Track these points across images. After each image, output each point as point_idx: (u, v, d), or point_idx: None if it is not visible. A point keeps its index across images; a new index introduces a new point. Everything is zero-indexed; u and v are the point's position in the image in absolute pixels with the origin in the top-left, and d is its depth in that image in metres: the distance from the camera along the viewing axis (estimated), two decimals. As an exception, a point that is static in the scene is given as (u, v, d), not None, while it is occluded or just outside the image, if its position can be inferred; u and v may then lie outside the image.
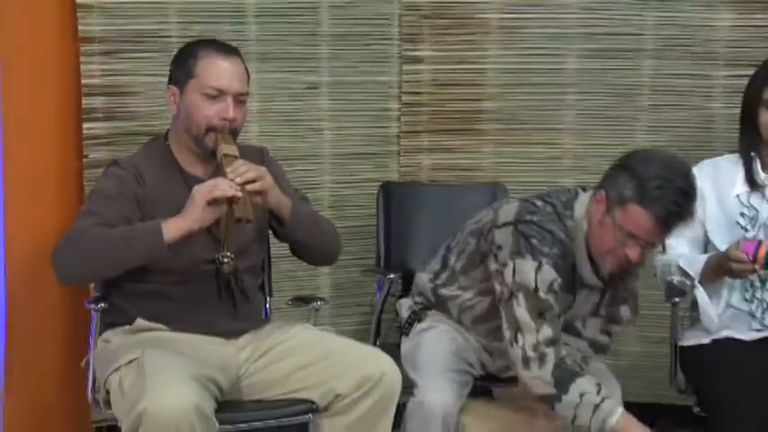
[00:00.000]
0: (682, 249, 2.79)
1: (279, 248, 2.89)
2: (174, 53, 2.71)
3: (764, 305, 2.70)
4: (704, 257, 2.71)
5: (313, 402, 2.53)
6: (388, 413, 2.53)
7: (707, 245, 2.79)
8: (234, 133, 2.62)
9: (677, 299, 2.83)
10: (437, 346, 2.72)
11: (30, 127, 3.14)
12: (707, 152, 3.07)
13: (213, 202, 2.42)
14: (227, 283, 2.63)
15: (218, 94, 2.58)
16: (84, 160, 3.25)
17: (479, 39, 3.51)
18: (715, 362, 2.66)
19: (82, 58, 3.23)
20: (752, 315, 2.70)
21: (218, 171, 2.54)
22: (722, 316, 2.71)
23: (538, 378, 2.50)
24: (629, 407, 2.75)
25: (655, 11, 3.47)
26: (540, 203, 2.60)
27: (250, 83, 2.69)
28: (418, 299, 2.89)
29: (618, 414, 2.46)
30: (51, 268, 2.50)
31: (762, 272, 2.61)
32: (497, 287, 2.59)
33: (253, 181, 2.47)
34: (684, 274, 2.72)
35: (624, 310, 2.75)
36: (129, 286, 2.60)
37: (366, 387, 2.50)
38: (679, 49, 3.48)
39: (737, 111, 2.82)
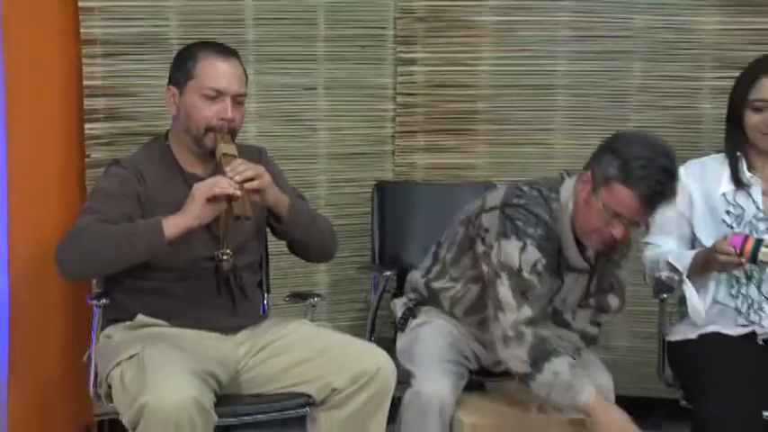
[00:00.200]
0: (670, 246, 2.80)
1: (277, 246, 2.89)
2: (174, 55, 2.71)
3: (750, 301, 2.70)
4: (692, 253, 2.72)
5: (310, 396, 2.54)
6: (383, 407, 2.54)
7: (694, 242, 2.80)
8: (232, 133, 2.62)
9: (665, 295, 2.84)
10: (433, 340, 2.73)
11: (33, 127, 3.14)
12: (694, 152, 3.08)
13: (212, 200, 2.42)
14: (226, 280, 2.63)
15: (217, 95, 2.59)
16: (86, 160, 3.25)
17: (473, 41, 3.51)
18: (701, 356, 2.66)
19: (84, 60, 3.24)
20: (737, 311, 2.71)
21: (218, 170, 2.54)
22: (709, 311, 2.72)
23: (515, 356, 2.53)
24: (619, 400, 2.77)
25: (644, 14, 3.47)
26: (526, 188, 2.63)
27: (248, 84, 2.69)
28: (412, 295, 2.90)
29: (589, 392, 2.49)
30: (54, 265, 2.50)
31: (747, 266, 2.62)
32: (485, 269, 2.61)
33: (251, 179, 2.47)
34: (673, 269, 2.72)
35: (612, 299, 2.77)
36: (130, 283, 2.60)
37: (362, 381, 2.50)
38: (668, 51, 3.49)
39: (724, 111, 2.83)
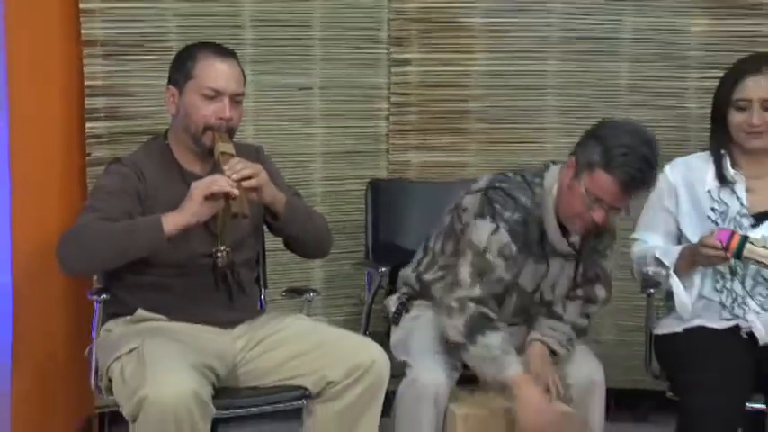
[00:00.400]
0: (656, 242, 2.81)
1: (273, 242, 2.89)
2: (173, 56, 2.71)
3: (734, 295, 2.71)
4: (679, 248, 2.73)
5: (306, 389, 2.54)
6: (377, 399, 2.54)
7: (680, 238, 2.80)
8: (230, 132, 2.62)
9: (652, 290, 2.85)
10: (427, 332, 2.73)
11: (35, 127, 3.14)
12: (681, 150, 3.08)
13: (210, 198, 2.42)
14: (224, 276, 2.64)
15: (216, 95, 2.59)
16: (87, 158, 3.26)
17: (465, 42, 3.51)
18: (687, 349, 2.67)
19: (85, 61, 3.24)
20: (722, 305, 2.72)
21: (216, 168, 2.54)
22: (694, 306, 2.72)
23: (453, 326, 2.57)
24: (607, 392, 2.79)
25: (632, 16, 3.48)
26: (510, 174, 2.68)
27: (246, 84, 2.69)
28: (404, 290, 2.92)
29: (515, 369, 2.53)
30: (56, 261, 2.50)
31: (732, 261, 2.63)
32: (459, 247, 2.64)
33: (248, 178, 2.47)
34: (660, 264, 2.73)
35: (599, 290, 2.80)
36: (130, 278, 2.60)
37: (356, 374, 2.50)
38: (655, 52, 3.50)
39: (709, 111, 2.83)
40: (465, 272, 2.58)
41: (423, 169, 3.56)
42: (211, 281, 2.63)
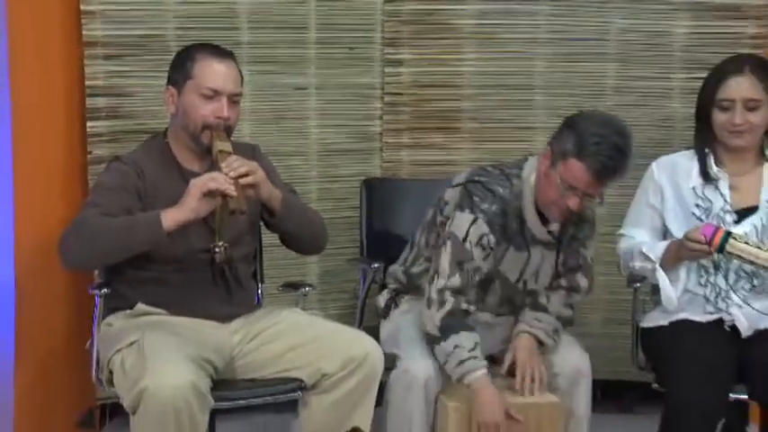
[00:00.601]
0: (642, 238, 2.82)
1: (270, 238, 2.89)
2: (173, 56, 2.70)
3: (717, 289, 2.71)
4: (665, 243, 2.73)
5: (302, 381, 2.54)
6: (371, 391, 2.54)
7: (665, 234, 2.81)
8: (228, 131, 2.62)
9: (638, 284, 2.86)
10: (416, 325, 2.74)
11: (38, 125, 3.14)
12: (666, 148, 3.09)
13: (208, 194, 2.42)
14: (222, 271, 2.64)
15: (214, 95, 2.58)
16: (88, 156, 3.26)
17: (456, 43, 3.51)
18: (672, 342, 2.68)
19: (86, 61, 3.24)
20: (706, 299, 2.72)
21: (214, 166, 2.54)
22: (679, 299, 2.73)
23: (430, 317, 2.60)
24: (594, 383, 2.79)
25: (618, 18, 3.48)
26: (489, 168, 2.70)
27: (243, 84, 2.69)
28: (393, 285, 2.93)
29: (477, 374, 2.54)
30: (58, 256, 2.50)
31: (715, 256, 2.63)
32: (440, 238, 2.65)
33: (245, 175, 2.47)
34: (647, 258, 2.73)
35: (581, 279, 2.81)
36: (130, 273, 2.60)
37: (351, 366, 2.51)
38: (640, 53, 3.50)
39: (693, 110, 2.83)
40: (446, 261, 2.60)
41: (415, 167, 3.55)
42: (209, 276, 2.62)
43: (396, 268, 2.93)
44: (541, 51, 3.50)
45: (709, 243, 2.56)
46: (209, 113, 2.58)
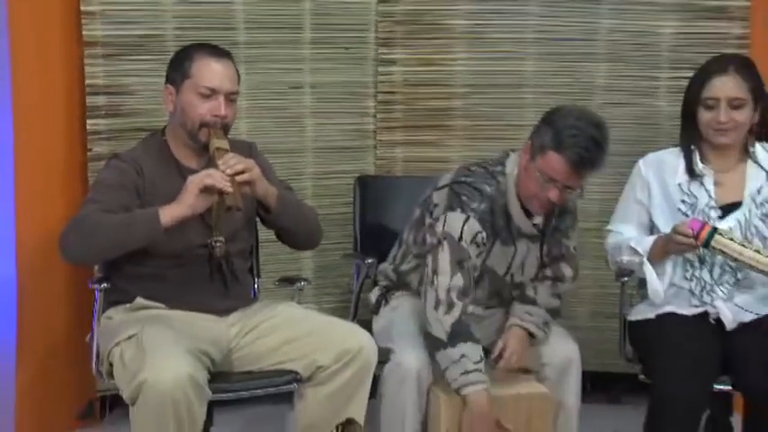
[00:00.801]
0: (630, 233, 2.82)
1: (266, 234, 2.88)
2: (171, 56, 2.69)
3: (702, 283, 2.72)
4: (652, 238, 2.74)
5: (297, 373, 2.53)
6: (365, 383, 2.54)
7: (652, 229, 2.81)
8: (225, 129, 2.61)
9: (626, 278, 2.85)
10: (408, 320, 2.74)
11: (39, 124, 3.13)
12: (653, 146, 3.08)
13: (205, 191, 2.42)
14: (219, 266, 2.63)
15: (211, 93, 2.58)
16: (89, 154, 3.25)
17: (448, 43, 3.51)
18: (659, 335, 2.68)
19: (86, 61, 3.23)
20: (691, 292, 2.72)
21: (211, 163, 2.53)
22: (666, 293, 2.73)
23: (438, 320, 2.56)
24: (583, 375, 2.79)
25: (606, 18, 3.48)
26: (474, 168, 2.69)
27: (240, 83, 2.68)
28: (383, 282, 2.93)
29: (478, 388, 2.52)
30: (59, 252, 2.49)
31: (701, 250, 2.64)
32: (428, 238, 2.64)
33: (242, 172, 2.47)
34: (635, 252, 2.74)
35: (565, 268, 2.81)
36: (129, 268, 2.59)
37: (345, 359, 2.50)
38: (628, 53, 3.50)
39: (680, 109, 2.83)
40: (445, 260, 2.58)
41: (408, 164, 3.55)
42: (207, 270, 2.62)
43: (385, 266, 2.93)
44: (531, 51, 3.51)
45: (696, 237, 2.57)
46: (207, 112, 2.57)
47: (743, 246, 2.57)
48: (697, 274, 2.72)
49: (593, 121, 2.54)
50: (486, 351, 2.67)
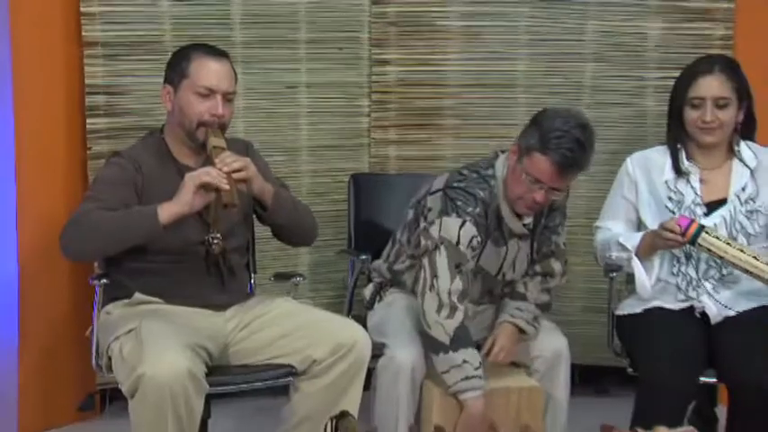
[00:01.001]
0: (618, 229, 2.82)
1: (262, 231, 2.87)
2: (169, 56, 2.68)
3: (688, 278, 2.72)
4: (640, 234, 2.74)
5: (293, 367, 2.53)
6: (359, 376, 2.53)
7: (639, 225, 2.81)
8: (222, 128, 2.60)
9: (614, 273, 2.85)
10: (401, 315, 2.73)
11: (40, 122, 3.13)
12: (640, 144, 3.09)
13: (202, 188, 2.41)
14: (216, 262, 2.62)
15: (209, 93, 2.57)
16: (88, 152, 3.24)
17: (441, 44, 3.50)
18: (646, 329, 2.68)
19: (86, 61, 3.22)
20: (678, 287, 2.72)
21: (209, 162, 2.52)
22: (653, 288, 2.73)
23: (440, 323, 2.53)
24: (572, 367, 2.79)
25: (595, 20, 3.48)
26: (466, 172, 2.67)
27: (237, 83, 2.67)
28: (378, 279, 2.92)
29: (475, 393, 2.52)
30: (59, 248, 2.48)
31: (687, 247, 2.64)
32: (423, 242, 2.62)
33: (238, 170, 2.46)
34: (623, 248, 2.73)
35: (555, 264, 2.80)
36: (128, 264, 2.58)
37: (340, 353, 2.50)
38: (616, 53, 3.50)
39: (666, 108, 2.84)
40: (444, 264, 2.55)
41: (401, 162, 3.55)
42: (204, 266, 2.61)
43: (379, 263, 2.92)
44: (522, 52, 3.50)
45: (683, 234, 2.57)
46: (205, 111, 2.56)
47: (728, 244, 2.57)
48: (683, 269, 2.72)
49: (578, 122, 2.52)
50: (478, 346, 2.67)
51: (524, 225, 2.69)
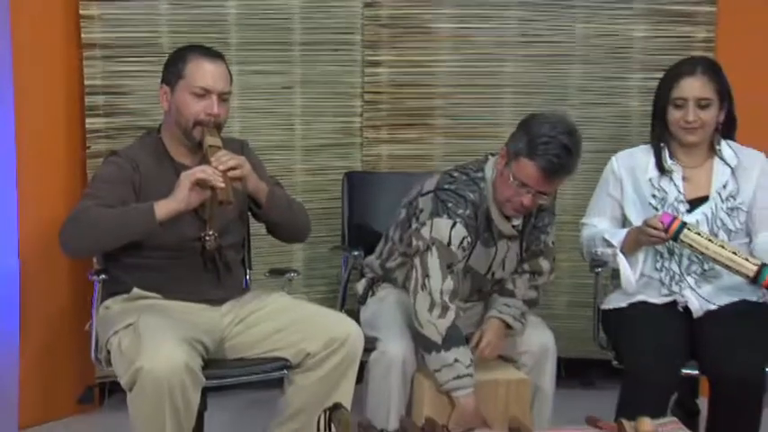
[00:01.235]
0: (604, 226, 2.82)
1: (257, 228, 2.87)
2: (166, 57, 2.68)
3: (671, 274, 2.72)
4: (625, 231, 2.74)
5: (287, 360, 2.53)
6: (352, 369, 2.53)
7: (624, 222, 2.81)
8: (218, 127, 2.60)
9: (599, 269, 2.86)
10: (393, 311, 2.73)
11: (40, 122, 3.12)
12: (625, 143, 3.10)
13: (198, 185, 2.40)
14: (212, 258, 2.62)
15: (205, 93, 2.56)
16: (87, 151, 3.24)
17: (431, 46, 3.50)
18: (631, 322, 2.68)
19: (85, 62, 3.22)
20: (661, 282, 2.73)
21: (204, 160, 2.52)
22: (637, 283, 2.73)
23: (433, 323, 2.53)
24: (559, 361, 2.79)
25: (582, 23, 3.49)
26: (456, 174, 2.66)
27: (232, 83, 2.66)
28: (370, 275, 2.92)
29: (467, 391, 2.52)
30: (59, 245, 2.48)
31: (670, 243, 2.64)
32: (414, 242, 2.62)
33: (233, 168, 2.46)
34: (608, 244, 2.74)
35: (543, 262, 2.80)
36: (126, 260, 2.58)
37: (333, 346, 2.49)
38: (601, 55, 3.51)
39: (650, 108, 2.84)
40: (435, 264, 2.54)
41: (393, 161, 3.54)
42: (201, 262, 2.61)
43: (372, 259, 2.92)
44: (510, 53, 3.50)
45: (666, 230, 2.57)
46: (201, 110, 2.56)
47: (709, 240, 2.58)
48: (666, 264, 2.73)
49: (565, 128, 2.51)
50: (466, 340, 2.67)
51: (513, 226, 2.69)
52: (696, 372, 2.61)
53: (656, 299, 2.72)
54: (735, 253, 2.56)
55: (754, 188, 2.74)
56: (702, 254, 2.59)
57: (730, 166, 2.76)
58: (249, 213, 2.74)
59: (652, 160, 2.78)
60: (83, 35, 3.19)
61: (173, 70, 2.60)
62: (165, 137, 2.65)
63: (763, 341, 2.58)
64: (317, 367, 2.50)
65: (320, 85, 3.46)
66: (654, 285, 2.74)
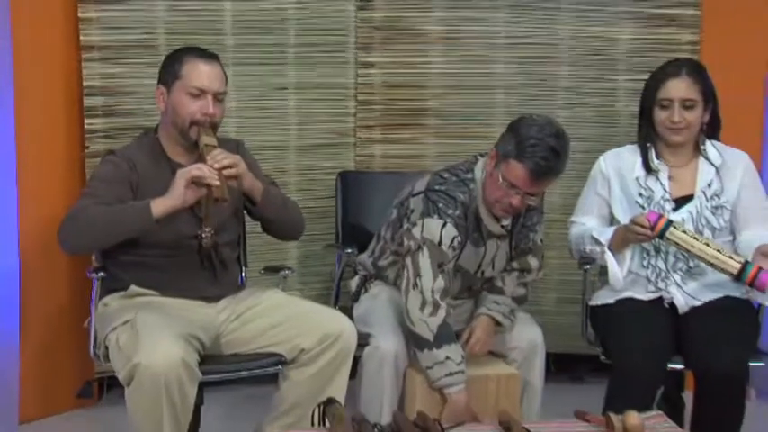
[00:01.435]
0: (592, 224, 2.82)
1: (253, 226, 2.86)
2: (163, 59, 2.67)
3: (658, 270, 2.72)
4: (612, 229, 2.74)
5: (282, 356, 2.52)
6: (345, 365, 2.53)
7: (612, 220, 2.81)
8: (214, 127, 2.59)
9: (588, 266, 2.85)
10: (385, 307, 2.73)
11: (40, 123, 3.11)
12: (612, 143, 3.09)
13: (194, 183, 2.39)
14: (208, 255, 2.61)
15: (200, 94, 2.55)
16: (86, 151, 3.23)
17: (423, 48, 3.49)
18: (618, 318, 2.68)
19: (84, 64, 3.21)
20: (648, 279, 2.73)
21: (200, 160, 2.50)
22: (624, 280, 2.73)
23: (424, 321, 2.52)
24: (548, 356, 2.79)
25: (569, 25, 3.48)
26: (446, 175, 2.65)
27: (227, 84, 2.65)
28: (363, 272, 2.91)
29: (458, 387, 2.51)
30: (58, 242, 2.46)
31: (657, 240, 2.64)
32: (406, 242, 2.61)
33: (228, 167, 2.45)
34: (597, 242, 2.73)
35: (532, 260, 2.79)
36: (124, 258, 2.57)
37: (327, 342, 2.49)
38: (589, 57, 3.50)
39: (637, 109, 2.84)
40: (426, 264, 2.53)
41: (386, 160, 3.53)
42: (197, 260, 2.60)
43: (364, 257, 2.91)
44: (500, 55, 3.50)
45: (652, 228, 2.57)
46: (197, 111, 2.55)
47: (694, 238, 2.57)
48: (653, 262, 2.72)
49: (553, 131, 2.50)
50: (456, 336, 2.67)
51: (502, 226, 2.68)
52: (682, 366, 2.61)
53: (643, 295, 2.72)
54: (719, 251, 2.56)
55: (738, 187, 2.74)
56: (688, 251, 2.59)
57: (715, 166, 2.76)
58: (244, 211, 2.73)
59: (639, 160, 2.78)
60: (81, 37, 3.18)
61: (169, 71, 2.59)
62: (162, 137, 2.63)
63: (747, 336, 2.59)
64: (311, 363, 2.50)
65: (314, 86, 3.45)
66: (641, 282, 2.73)
